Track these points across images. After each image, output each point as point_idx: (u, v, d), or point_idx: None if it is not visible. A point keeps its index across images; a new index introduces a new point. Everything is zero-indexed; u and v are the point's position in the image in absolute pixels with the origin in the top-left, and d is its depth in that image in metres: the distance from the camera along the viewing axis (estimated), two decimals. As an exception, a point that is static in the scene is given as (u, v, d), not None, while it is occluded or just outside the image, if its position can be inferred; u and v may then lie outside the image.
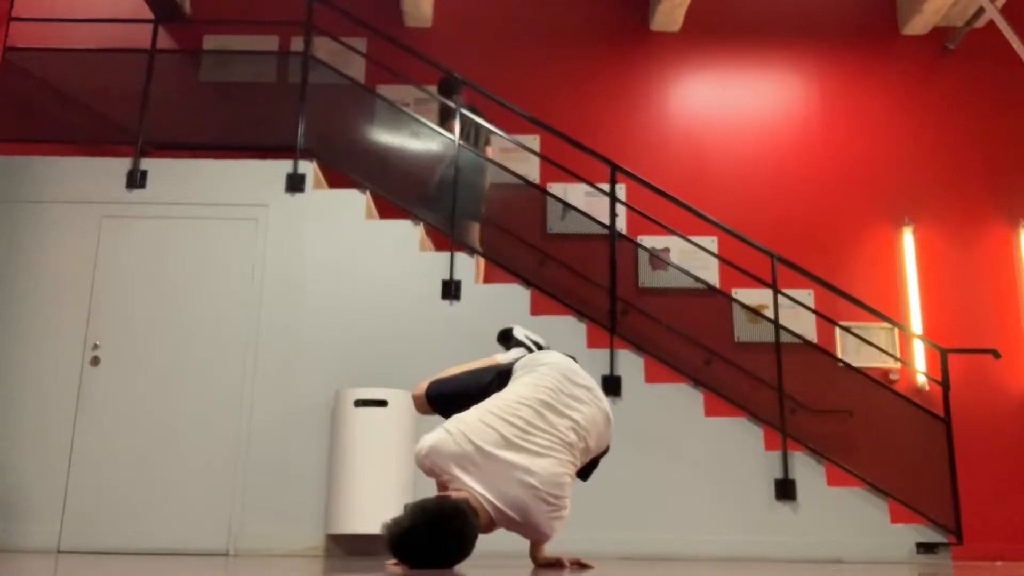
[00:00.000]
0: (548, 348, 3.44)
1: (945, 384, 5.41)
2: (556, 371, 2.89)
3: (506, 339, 3.54)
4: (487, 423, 2.67)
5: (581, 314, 5.51)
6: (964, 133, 7.33)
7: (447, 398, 3.06)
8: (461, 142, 5.85)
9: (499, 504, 2.57)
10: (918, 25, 7.45)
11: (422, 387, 3.18)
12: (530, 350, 3.43)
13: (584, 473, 2.96)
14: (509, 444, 2.63)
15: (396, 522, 2.48)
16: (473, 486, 2.58)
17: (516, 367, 3.01)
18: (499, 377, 3.03)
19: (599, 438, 2.90)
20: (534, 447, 2.66)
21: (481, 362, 3.28)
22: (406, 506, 2.53)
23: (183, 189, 5.55)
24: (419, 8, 7.35)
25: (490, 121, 5.93)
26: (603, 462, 3.10)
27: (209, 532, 4.97)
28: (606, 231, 5.82)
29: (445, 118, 6.09)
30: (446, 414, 3.00)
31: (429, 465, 2.68)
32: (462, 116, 5.93)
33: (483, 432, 2.65)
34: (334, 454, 4.92)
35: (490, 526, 2.63)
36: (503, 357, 3.35)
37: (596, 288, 5.88)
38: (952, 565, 4.60)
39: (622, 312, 5.72)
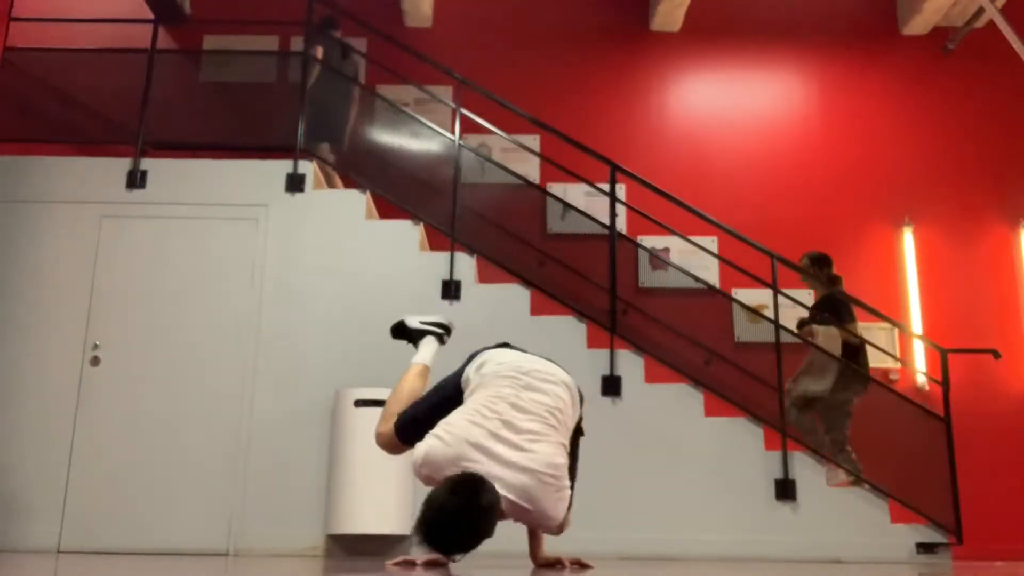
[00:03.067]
0: (446, 327, 3.45)
1: (945, 384, 5.41)
2: (505, 370, 2.86)
3: (404, 334, 3.48)
4: (475, 422, 2.67)
5: (581, 314, 5.51)
6: (964, 133, 7.34)
7: (420, 421, 2.95)
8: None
9: (507, 494, 2.56)
10: (918, 25, 7.46)
11: (387, 426, 3.07)
12: (437, 335, 3.43)
13: (571, 473, 2.93)
14: (502, 437, 2.64)
15: (428, 501, 2.47)
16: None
17: (467, 379, 2.95)
18: (455, 386, 2.99)
19: (573, 410, 2.90)
20: (526, 435, 2.67)
21: (412, 381, 3.23)
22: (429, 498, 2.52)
23: (183, 189, 5.55)
24: (419, 8, 7.35)
25: (490, 121, 5.92)
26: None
27: (209, 532, 4.97)
28: (606, 231, 5.82)
29: (311, 43, 6.10)
30: (415, 443, 2.96)
31: (427, 474, 2.66)
32: (332, 47, 6.02)
33: (474, 429, 2.65)
34: (334, 454, 4.92)
35: (502, 515, 2.62)
36: (423, 357, 3.34)
37: (596, 288, 5.88)
38: (952, 565, 4.60)
39: (622, 312, 5.72)
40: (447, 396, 2.97)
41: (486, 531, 2.48)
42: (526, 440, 2.65)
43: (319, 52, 6.00)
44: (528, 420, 2.70)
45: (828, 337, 5.49)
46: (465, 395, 2.89)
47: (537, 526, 2.77)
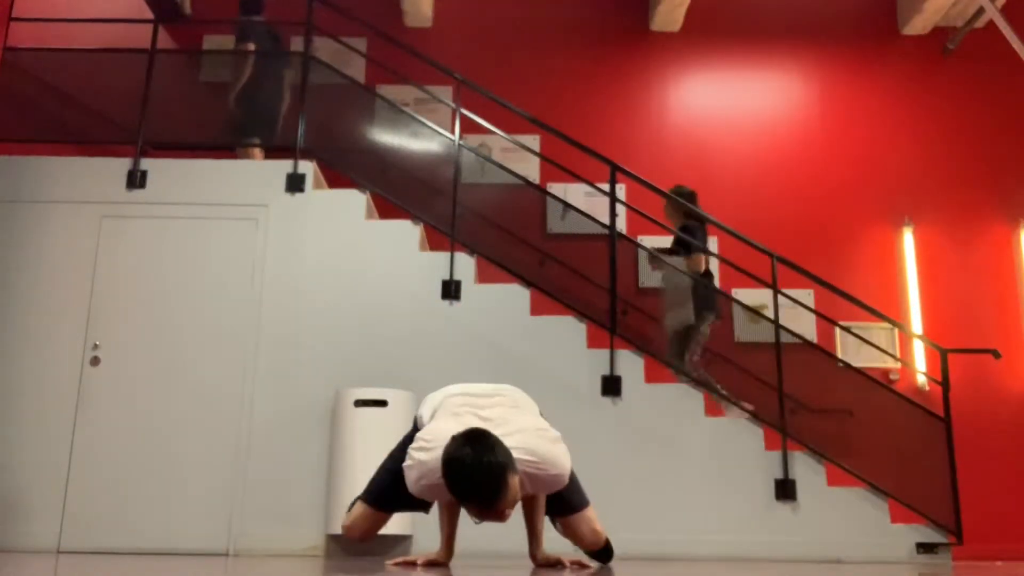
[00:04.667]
0: None
1: (945, 384, 5.41)
2: (455, 396, 2.90)
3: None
4: (449, 424, 2.68)
5: (581, 314, 5.51)
6: (964, 133, 7.34)
7: (385, 489, 2.98)
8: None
9: (515, 456, 2.57)
10: (918, 25, 7.46)
11: (355, 510, 3.09)
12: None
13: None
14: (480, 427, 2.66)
15: (446, 462, 2.47)
16: None
17: (422, 421, 2.99)
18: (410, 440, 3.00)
19: (528, 404, 2.95)
20: (499, 420, 2.70)
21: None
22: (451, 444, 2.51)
23: (183, 189, 5.55)
24: (419, 8, 7.35)
25: (490, 121, 5.92)
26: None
27: (209, 532, 4.97)
28: (606, 231, 5.82)
29: (241, 38, 6.12)
30: (396, 507, 2.99)
31: (426, 484, 2.69)
32: (262, 37, 6.03)
33: (453, 426, 2.65)
34: (334, 454, 4.92)
35: (522, 487, 2.63)
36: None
37: (596, 288, 5.88)
38: (952, 565, 4.60)
39: (622, 312, 5.72)
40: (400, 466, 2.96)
41: (508, 463, 2.46)
42: (502, 421, 2.70)
43: (250, 47, 6.01)
44: (494, 410, 2.76)
45: (691, 263, 5.88)
46: None
47: (551, 487, 2.75)
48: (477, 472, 2.40)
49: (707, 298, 5.81)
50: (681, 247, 5.92)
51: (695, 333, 5.72)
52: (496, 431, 2.61)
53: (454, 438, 2.50)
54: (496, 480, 2.40)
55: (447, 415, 2.76)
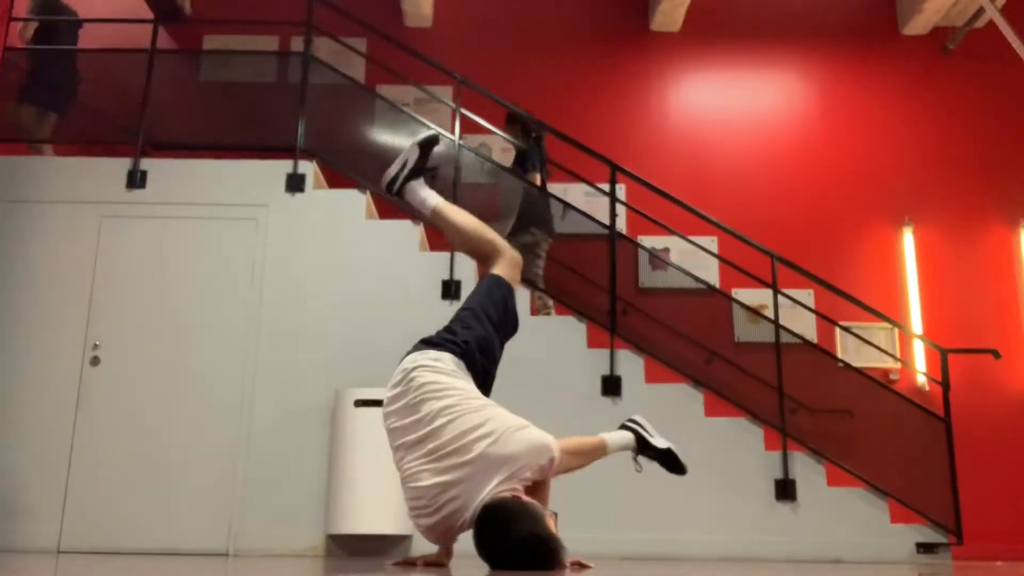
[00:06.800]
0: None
1: (945, 384, 5.41)
2: (390, 429, 2.96)
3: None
4: (430, 482, 2.65)
5: (581, 314, 5.51)
6: (964, 133, 7.34)
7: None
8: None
9: (509, 483, 2.58)
10: (918, 25, 7.46)
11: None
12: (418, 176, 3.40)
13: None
14: (451, 466, 2.64)
15: (484, 551, 2.48)
16: (480, 495, 2.58)
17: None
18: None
19: (441, 354, 3.01)
20: (464, 439, 2.67)
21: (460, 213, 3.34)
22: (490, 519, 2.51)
23: (183, 189, 5.55)
24: (419, 8, 7.36)
25: (490, 121, 5.91)
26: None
27: (209, 532, 4.97)
28: (606, 231, 5.82)
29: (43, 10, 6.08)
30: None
31: (439, 534, 2.71)
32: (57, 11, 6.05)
33: (420, 476, 2.66)
34: (334, 454, 4.92)
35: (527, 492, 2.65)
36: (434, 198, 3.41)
37: (596, 288, 5.88)
38: (952, 565, 4.60)
39: (622, 312, 5.72)
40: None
41: (538, 515, 2.47)
42: (471, 441, 2.65)
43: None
44: (447, 437, 2.69)
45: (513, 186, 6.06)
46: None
47: (546, 462, 2.74)
48: (531, 551, 2.42)
49: (538, 214, 5.96)
50: (519, 166, 6.08)
51: (533, 249, 5.82)
52: (465, 458, 2.61)
53: (483, 542, 2.47)
54: (543, 542, 2.43)
55: (423, 473, 2.68)
